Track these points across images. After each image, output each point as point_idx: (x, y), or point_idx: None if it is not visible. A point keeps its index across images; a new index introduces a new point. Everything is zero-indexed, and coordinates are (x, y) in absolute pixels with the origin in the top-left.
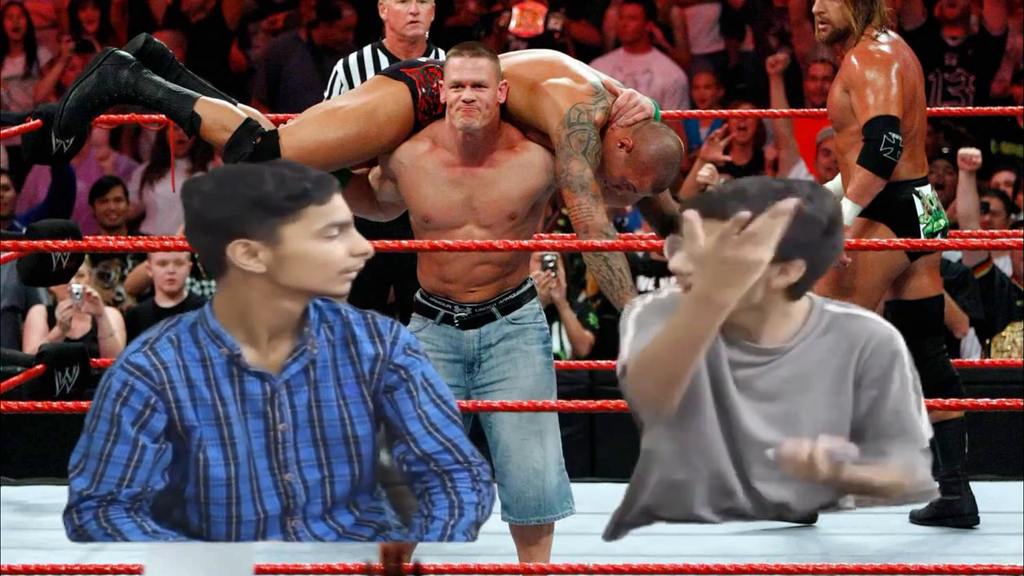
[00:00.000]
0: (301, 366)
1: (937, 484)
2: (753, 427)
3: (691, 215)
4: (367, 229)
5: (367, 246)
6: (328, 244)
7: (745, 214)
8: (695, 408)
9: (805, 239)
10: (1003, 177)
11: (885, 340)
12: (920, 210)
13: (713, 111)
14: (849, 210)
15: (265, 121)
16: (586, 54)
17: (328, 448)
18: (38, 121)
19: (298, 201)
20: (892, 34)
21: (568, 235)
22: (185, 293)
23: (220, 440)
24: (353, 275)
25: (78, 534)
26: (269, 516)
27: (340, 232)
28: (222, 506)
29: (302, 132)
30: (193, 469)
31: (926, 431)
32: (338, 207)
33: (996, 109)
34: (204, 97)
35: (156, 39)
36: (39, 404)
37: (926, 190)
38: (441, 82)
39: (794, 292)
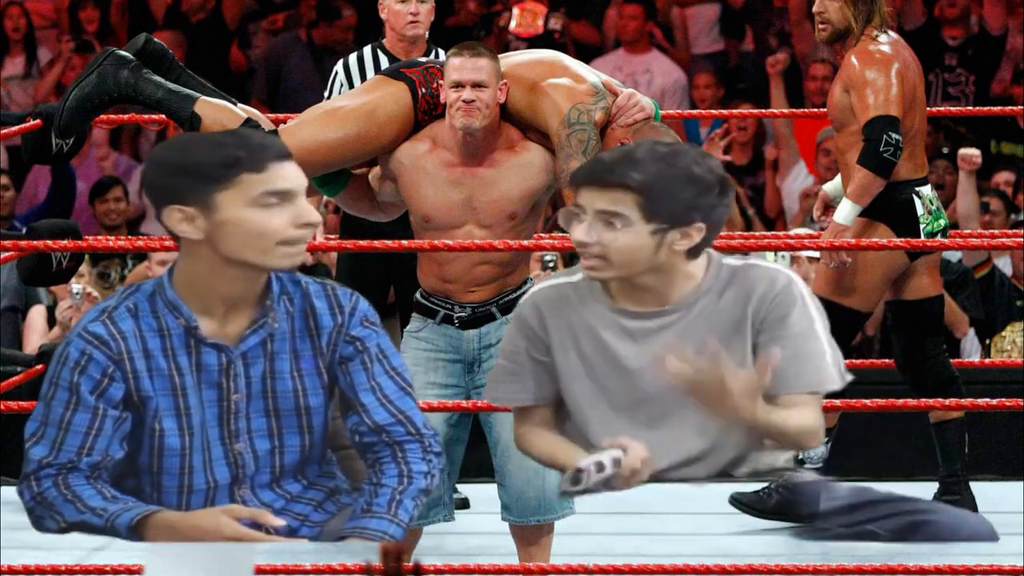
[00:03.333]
0: (259, 338)
1: (823, 430)
2: (660, 386)
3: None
4: (367, 229)
5: (312, 216)
6: (264, 212)
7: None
8: (581, 408)
9: (704, 202)
10: (1003, 177)
11: (783, 285)
12: (920, 210)
13: (713, 111)
14: (849, 210)
15: (265, 121)
16: (586, 54)
17: (280, 419)
18: (38, 121)
19: (230, 169)
20: (892, 34)
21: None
22: None
23: (176, 411)
24: (298, 248)
25: (36, 501)
26: (219, 485)
27: (281, 201)
28: (174, 476)
29: (302, 132)
30: (148, 439)
31: (832, 374)
32: (279, 176)
33: (996, 109)
34: (204, 97)
35: (156, 39)
36: None
37: (926, 190)
38: (441, 82)
39: (694, 252)
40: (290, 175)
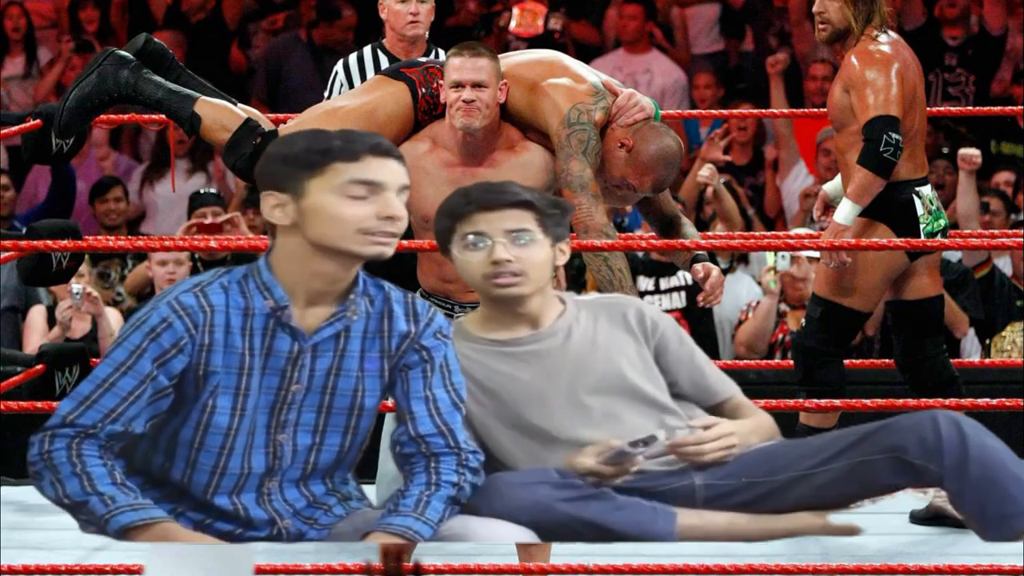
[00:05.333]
0: (334, 331)
1: None
2: (563, 411)
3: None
4: None
5: (396, 210)
6: (347, 201)
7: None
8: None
9: (565, 222)
10: (1003, 177)
11: (648, 308)
12: (920, 210)
13: (713, 111)
14: (849, 210)
15: (265, 121)
16: (586, 54)
17: (330, 416)
18: (38, 121)
19: (322, 156)
20: (892, 34)
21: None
22: None
23: (235, 390)
24: (382, 239)
25: (42, 459)
26: (252, 473)
27: (369, 192)
28: (213, 454)
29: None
30: (197, 413)
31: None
32: (371, 166)
33: (996, 109)
34: (204, 97)
35: (156, 39)
36: (39, 404)
37: (926, 190)
38: (441, 82)
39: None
40: (384, 169)
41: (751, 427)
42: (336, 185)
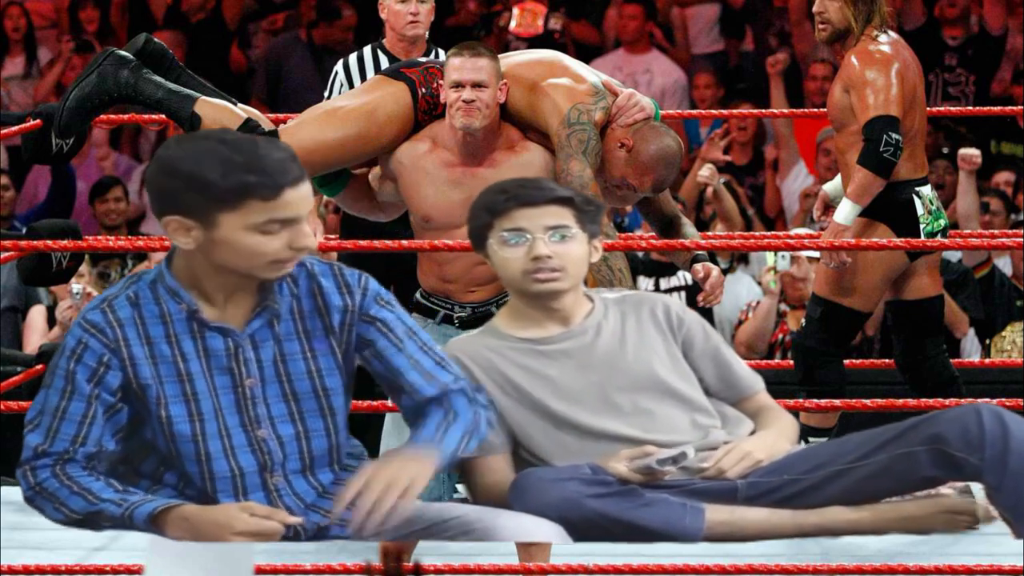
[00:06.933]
0: (264, 321)
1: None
2: (590, 407)
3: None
4: (367, 229)
5: (309, 242)
6: (263, 237)
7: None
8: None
9: (599, 219)
10: (1003, 177)
11: (675, 304)
12: (920, 210)
13: (713, 111)
14: (849, 210)
15: (265, 121)
16: (586, 54)
17: (299, 402)
18: (38, 121)
19: (239, 195)
20: (892, 34)
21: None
22: None
23: (183, 396)
24: (288, 266)
25: (35, 491)
26: (245, 473)
27: (282, 227)
28: (192, 462)
29: (302, 132)
30: (157, 426)
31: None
32: (288, 202)
33: (996, 109)
34: (204, 97)
35: (156, 39)
36: None
37: (926, 190)
38: (441, 82)
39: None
40: (298, 201)
41: (774, 437)
42: (253, 224)
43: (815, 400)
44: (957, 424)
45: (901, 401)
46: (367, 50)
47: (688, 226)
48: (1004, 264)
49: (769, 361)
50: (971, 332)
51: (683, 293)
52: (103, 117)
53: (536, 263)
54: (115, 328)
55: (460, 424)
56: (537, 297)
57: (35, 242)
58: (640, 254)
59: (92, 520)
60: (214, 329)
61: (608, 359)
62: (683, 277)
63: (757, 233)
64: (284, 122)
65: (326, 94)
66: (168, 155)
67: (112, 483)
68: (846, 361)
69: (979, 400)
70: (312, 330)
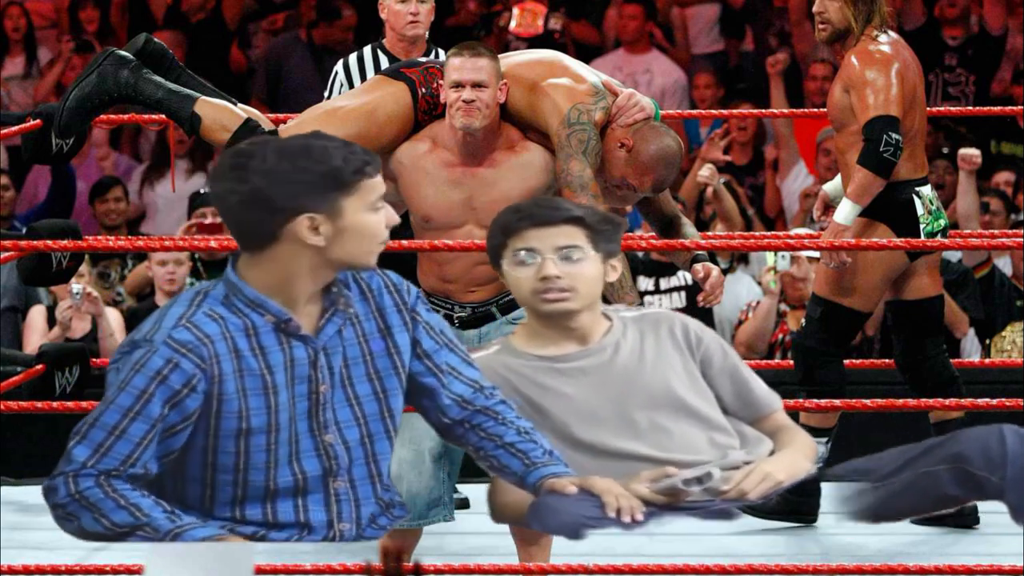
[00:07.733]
0: (335, 327)
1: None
2: (611, 426)
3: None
4: None
5: (396, 216)
6: (376, 216)
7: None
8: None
9: (618, 238)
10: (1003, 177)
11: (692, 322)
12: (920, 210)
13: (713, 111)
14: (849, 210)
15: (265, 121)
16: (586, 54)
17: (361, 406)
18: (38, 121)
19: (358, 175)
20: (892, 34)
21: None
22: None
23: (267, 409)
24: (382, 249)
25: (74, 499)
26: (309, 477)
27: (383, 205)
28: (261, 471)
29: (302, 132)
30: (232, 440)
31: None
32: (381, 180)
33: (996, 109)
34: (204, 97)
35: (156, 39)
36: (39, 404)
37: (926, 190)
38: (441, 82)
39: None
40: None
41: (794, 457)
42: (369, 203)
43: (815, 400)
44: (979, 443)
45: (901, 401)
46: (367, 50)
47: (688, 226)
48: (1004, 264)
49: (769, 361)
50: (971, 332)
51: (683, 293)
52: (103, 117)
53: (545, 283)
54: (207, 344)
55: (536, 434)
56: (548, 317)
57: (35, 242)
58: (640, 254)
59: (128, 535)
60: (299, 339)
61: (626, 377)
62: (683, 277)
63: (757, 233)
64: (284, 122)
65: (326, 94)
66: (266, 164)
67: (160, 502)
68: (846, 361)
69: (979, 400)
70: (369, 332)
